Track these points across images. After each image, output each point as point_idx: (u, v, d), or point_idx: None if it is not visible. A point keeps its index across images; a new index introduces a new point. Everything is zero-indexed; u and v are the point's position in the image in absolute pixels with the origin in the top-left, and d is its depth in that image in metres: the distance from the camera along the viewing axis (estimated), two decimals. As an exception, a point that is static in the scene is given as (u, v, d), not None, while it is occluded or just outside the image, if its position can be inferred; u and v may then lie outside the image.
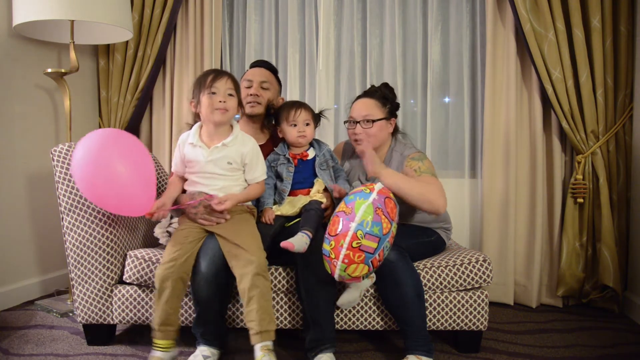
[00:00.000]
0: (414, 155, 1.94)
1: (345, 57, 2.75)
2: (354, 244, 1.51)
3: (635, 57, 2.33)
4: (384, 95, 2.01)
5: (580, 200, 2.35)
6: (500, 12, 2.48)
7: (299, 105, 1.87)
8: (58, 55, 2.60)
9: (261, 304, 1.59)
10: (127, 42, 2.61)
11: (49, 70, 2.27)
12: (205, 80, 1.69)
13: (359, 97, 2.06)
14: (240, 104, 1.77)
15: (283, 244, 1.61)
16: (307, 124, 1.86)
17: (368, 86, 2.69)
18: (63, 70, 2.28)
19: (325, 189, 1.89)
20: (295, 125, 1.84)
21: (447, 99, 2.75)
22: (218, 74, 1.71)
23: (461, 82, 2.67)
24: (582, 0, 2.29)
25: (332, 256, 1.54)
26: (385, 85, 2.07)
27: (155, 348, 1.64)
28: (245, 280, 1.59)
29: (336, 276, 1.57)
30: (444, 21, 2.71)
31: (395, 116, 2.05)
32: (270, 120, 1.92)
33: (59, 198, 1.84)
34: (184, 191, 1.81)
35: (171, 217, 2.07)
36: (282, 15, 2.78)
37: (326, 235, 1.59)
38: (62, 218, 1.85)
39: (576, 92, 2.33)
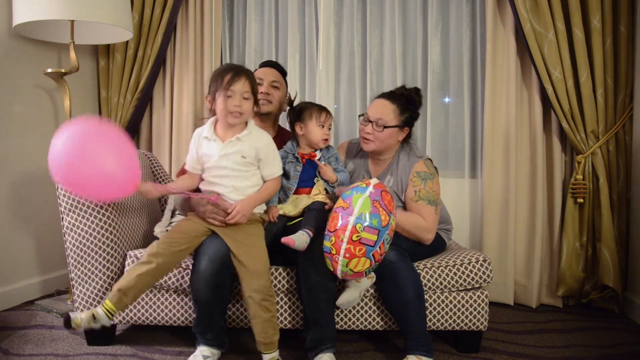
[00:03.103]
0: (422, 169, 1.90)
1: (345, 57, 2.75)
2: (354, 238, 1.51)
3: (635, 57, 2.33)
4: (406, 103, 1.93)
5: (580, 200, 2.35)
6: (500, 12, 2.48)
7: (327, 110, 1.92)
8: (58, 55, 2.59)
9: (265, 320, 1.64)
10: (127, 42, 2.61)
11: (49, 70, 2.26)
12: (223, 79, 1.64)
13: (382, 95, 1.98)
14: (256, 102, 1.73)
15: (284, 239, 1.63)
16: (329, 128, 1.92)
17: (368, 86, 2.71)
18: (63, 70, 2.27)
19: (327, 191, 1.89)
20: (323, 126, 1.89)
21: (447, 99, 2.75)
22: (236, 74, 1.64)
23: (461, 82, 2.67)
24: (582, 0, 2.29)
25: (333, 252, 1.54)
26: (417, 91, 1.97)
27: (101, 307, 1.54)
28: (251, 301, 1.63)
29: (339, 272, 1.57)
30: (444, 21, 2.71)
31: (411, 126, 1.97)
32: (294, 117, 1.92)
33: (59, 198, 1.84)
34: (198, 190, 1.78)
35: (172, 216, 2.07)
36: (282, 15, 2.78)
37: (326, 232, 1.59)
38: (62, 218, 1.84)
39: (576, 92, 2.32)
